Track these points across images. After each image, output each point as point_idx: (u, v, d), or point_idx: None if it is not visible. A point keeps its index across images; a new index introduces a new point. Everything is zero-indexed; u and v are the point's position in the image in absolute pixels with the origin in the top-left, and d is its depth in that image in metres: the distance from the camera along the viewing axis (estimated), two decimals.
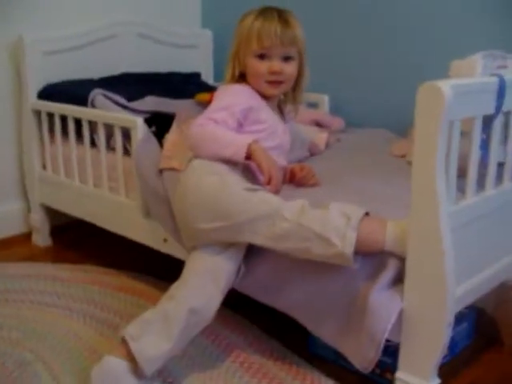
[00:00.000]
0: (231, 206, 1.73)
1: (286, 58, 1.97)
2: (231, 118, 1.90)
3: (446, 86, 1.38)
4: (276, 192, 1.81)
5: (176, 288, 1.83)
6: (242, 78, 2.03)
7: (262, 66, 1.95)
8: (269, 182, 1.81)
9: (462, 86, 1.45)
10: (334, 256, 1.60)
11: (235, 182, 1.79)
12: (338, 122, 2.85)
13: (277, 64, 1.95)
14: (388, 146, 2.51)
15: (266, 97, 2.03)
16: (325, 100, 3.04)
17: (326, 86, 3.00)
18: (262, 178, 1.85)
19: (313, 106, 3.05)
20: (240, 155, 1.83)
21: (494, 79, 1.59)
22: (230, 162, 1.86)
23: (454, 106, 1.40)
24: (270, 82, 1.98)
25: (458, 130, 1.50)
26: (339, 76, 3.12)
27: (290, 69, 1.99)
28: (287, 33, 1.93)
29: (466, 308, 1.96)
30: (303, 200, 1.70)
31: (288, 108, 2.18)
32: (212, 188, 1.78)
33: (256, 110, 1.97)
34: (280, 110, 2.15)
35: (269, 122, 2.00)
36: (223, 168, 1.84)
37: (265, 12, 1.97)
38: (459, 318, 2.05)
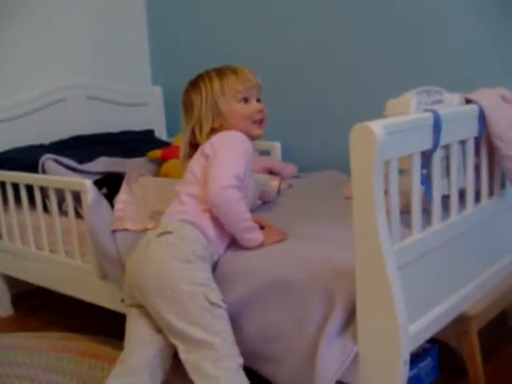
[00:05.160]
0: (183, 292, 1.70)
1: (258, 101, 2.06)
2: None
3: (377, 126, 1.38)
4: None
5: None
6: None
7: (249, 108, 2.01)
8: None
9: (394, 125, 1.45)
10: None
11: (200, 273, 1.76)
12: (289, 169, 2.87)
13: (259, 103, 2.04)
14: (340, 187, 2.49)
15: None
16: (277, 147, 3.08)
17: (277, 133, 3.03)
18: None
19: (265, 153, 3.07)
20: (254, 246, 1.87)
21: (428, 115, 1.60)
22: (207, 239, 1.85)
23: (387, 145, 1.40)
24: (258, 122, 2.04)
25: (396, 168, 1.51)
26: (289, 123, 3.16)
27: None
28: (256, 76, 2.05)
29: (428, 343, 1.96)
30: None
31: None
32: (176, 275, 1.73)
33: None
34: None
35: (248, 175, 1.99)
36: (195, 255, 1.77)
37: (222, 68, 2.05)
38: (422, 354, 2.05)
